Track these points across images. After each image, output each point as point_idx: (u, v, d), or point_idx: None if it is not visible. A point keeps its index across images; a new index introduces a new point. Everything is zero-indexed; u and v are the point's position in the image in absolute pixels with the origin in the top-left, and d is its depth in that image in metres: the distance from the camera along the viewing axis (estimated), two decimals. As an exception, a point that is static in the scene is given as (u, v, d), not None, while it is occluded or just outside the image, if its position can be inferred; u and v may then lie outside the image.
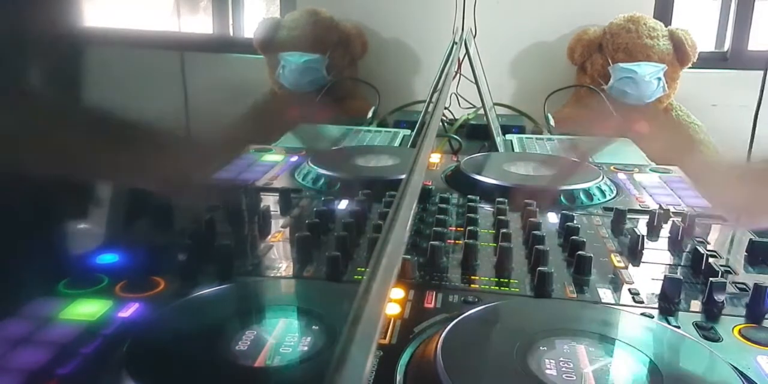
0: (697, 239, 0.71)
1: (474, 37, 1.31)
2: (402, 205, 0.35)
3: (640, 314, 0.52)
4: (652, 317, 0.52)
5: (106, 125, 0.58)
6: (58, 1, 0.65)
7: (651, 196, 0.87)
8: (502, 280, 0.60)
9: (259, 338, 0.46)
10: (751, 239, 0.68)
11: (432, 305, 0.54)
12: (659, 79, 1.96)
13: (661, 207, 0.79)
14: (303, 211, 0.77)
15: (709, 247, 0.68)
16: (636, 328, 0.49)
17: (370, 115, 1.59)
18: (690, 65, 2.02)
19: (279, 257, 0.64)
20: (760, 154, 0.83)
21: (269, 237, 0.69)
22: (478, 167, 0.91)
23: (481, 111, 1.27)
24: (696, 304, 0.55)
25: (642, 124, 0.87)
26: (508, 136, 1.31)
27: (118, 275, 0.57)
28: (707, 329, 0.51)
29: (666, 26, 2.04)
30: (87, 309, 0.51)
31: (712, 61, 2.16)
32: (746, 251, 0.67)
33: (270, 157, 1.03)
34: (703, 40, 2.12)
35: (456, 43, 1.26)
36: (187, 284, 0.56)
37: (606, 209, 0.80)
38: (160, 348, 0.45)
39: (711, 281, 0.55)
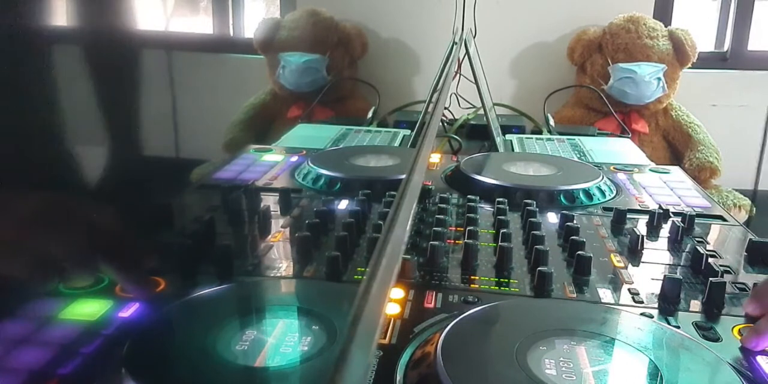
0: (697, 239, 0.71)
1: (474, 37, 1.31)
2: (402, 205, 0.35)
3: (639, 314, 0.52)
4: (652, 317, 0.52)
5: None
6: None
7: (651, 196, 0.87)
8: (502, 280, 0.60)
9: (259, 338, 0.46)
10: (750, 239, 0.68)
11: (432, 305, 0.54)
12: (659, 79, 1.96)
13: (660, 207, 0.79)
14: (303, 211, 0.77)
15: (708, 247, 0.69)
16: (636, 328, 0.49)
17: (370, 115, 1.59)
18: (690, 65, 2.02)
19: (279, 257, 0.64)
20: None
21: (269, 237, 0.69)
22: (477, 167, 0.91)
23: (481, 111, 1.27)
24: (696, 304, 0.55)
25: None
26: (508, 136, 1.31)
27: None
28: (707, 329, 0.51)
29: (666, 26, 2.04)
30: (87, 309, 0.51)
31: (711, 61, 2.16)
32: (746, 251, 0.67)
33: (270, 157, 1.03)
34: (703, 41, 2.12)
35: (456, 43, 1.26)
36: (187, 284, 0.56)
37: (606, 209, 0.80)
38: (160, 348, 0.45)
39: (711, 281, 0.55)
